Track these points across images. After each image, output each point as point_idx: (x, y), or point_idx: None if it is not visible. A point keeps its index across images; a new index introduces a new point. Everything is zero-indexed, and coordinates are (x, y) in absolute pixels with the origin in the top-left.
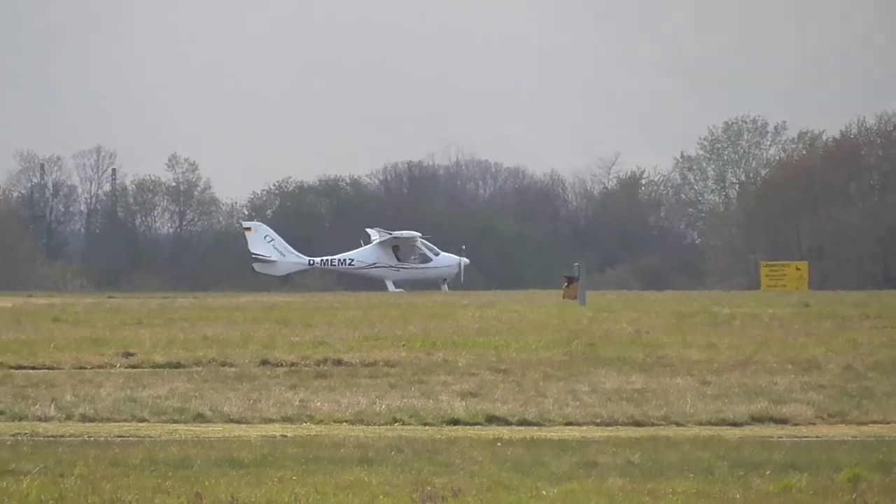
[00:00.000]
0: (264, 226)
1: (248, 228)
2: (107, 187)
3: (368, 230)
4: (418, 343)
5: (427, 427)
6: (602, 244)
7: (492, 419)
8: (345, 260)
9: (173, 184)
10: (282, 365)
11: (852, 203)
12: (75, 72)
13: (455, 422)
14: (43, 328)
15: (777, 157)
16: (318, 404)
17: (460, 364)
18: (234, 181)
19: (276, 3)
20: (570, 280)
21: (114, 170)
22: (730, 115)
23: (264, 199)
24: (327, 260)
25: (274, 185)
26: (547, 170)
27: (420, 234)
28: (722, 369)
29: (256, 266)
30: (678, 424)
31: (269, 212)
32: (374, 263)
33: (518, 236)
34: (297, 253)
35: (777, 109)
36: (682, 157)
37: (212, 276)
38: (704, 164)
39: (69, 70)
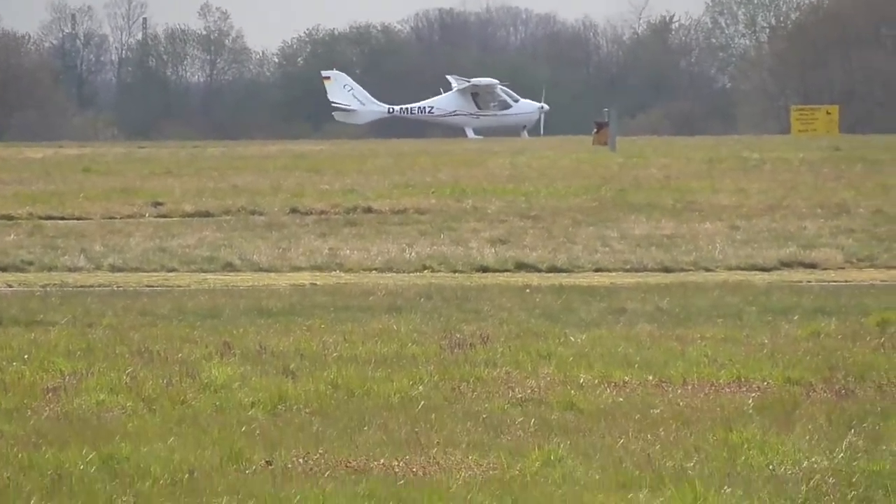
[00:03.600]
0: (343, 74)
1: (328, 77)
2: (138, 36)
3: (449, 77)
4: (448, 190)
5: (457, 274)
6: (633, 90)
7: (521, 266)
8: (425, 108)
9: (204, 33)
10: (311, 213)
11: (882, 46)
12: None
13: (485, 269)
14: (73, 179)
15: (808, 1)
16: (348, 252)
17: (490, 211)
18: (265, 29)
19: None
20: (601, 126)
21: (145, 19)
22: None
23: (295, 47)
24: (407, 108)
25: (304, 32)
26: (579, 15)
27: (498, 81)
28: (751, 214)
29: (337, 115)
30: (707, 270)
31: (299, 59)
32: (455, 111)
33: (550, 83)
34: (376, 101)
35: None
36: (713, 1)
37: (243, 126)
38: (735, 8)
39: None
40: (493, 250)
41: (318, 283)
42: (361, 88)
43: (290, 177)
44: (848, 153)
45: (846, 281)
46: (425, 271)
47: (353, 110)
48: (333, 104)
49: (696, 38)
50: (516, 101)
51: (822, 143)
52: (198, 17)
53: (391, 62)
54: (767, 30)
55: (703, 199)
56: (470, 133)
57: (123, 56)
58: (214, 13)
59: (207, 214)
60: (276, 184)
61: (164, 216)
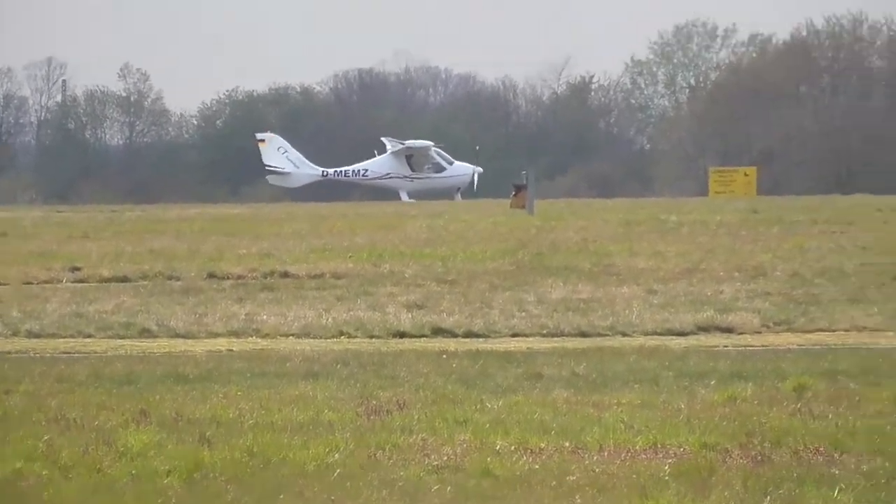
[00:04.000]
0: (278, 137)
1: (262, 140)
2: (58, 98)
3: (383, 139)
4: (365, 254)
5: (374, 339)
6: (552, 150)
7: (438, 331)
8: (359, 171)
9: (124, 94)
10: (228, 278)
11: (803, 106)
12: None
13: (402, 334)
14: None
15: (727, 61)
16: (265, 318)
17: (407, 275)
18: (185, 91)
19: None
20: (519, 188)
21: (64, 81)
22: (679, 19)
23: (214, 108)
24: (341, 171)
25: (224, 94)
26: (499, 75)
27: (433, 143)
28: (669, 278)
29: (270, 178)
30: (624, 334)
31: (218, 121)
32: (389, 174)
33: (469, 143)
34: (311, 164)
35: (727, 13)
36: (632, 61)
37: (162, 188)
38: (654, 69)
39: None
40: (409, 315)
41: (234, 348)
42: (296, 151)
43: (208, 240)
44: (765, 215)
45: (763, 345)
46: (342, 337)
47: (287, 173)
48: (267, 167)
49: (615, 98)
50: (450, 163)
51: (740, 205)
52: (117, 79)
53: (311, 123)
54: (687, 90)
55: (620, 263)
56: (404, 196)
57: (43, 118)
58: (134, 74)
59: (125, 279)
60: (194, 248)
61: (82, 281)
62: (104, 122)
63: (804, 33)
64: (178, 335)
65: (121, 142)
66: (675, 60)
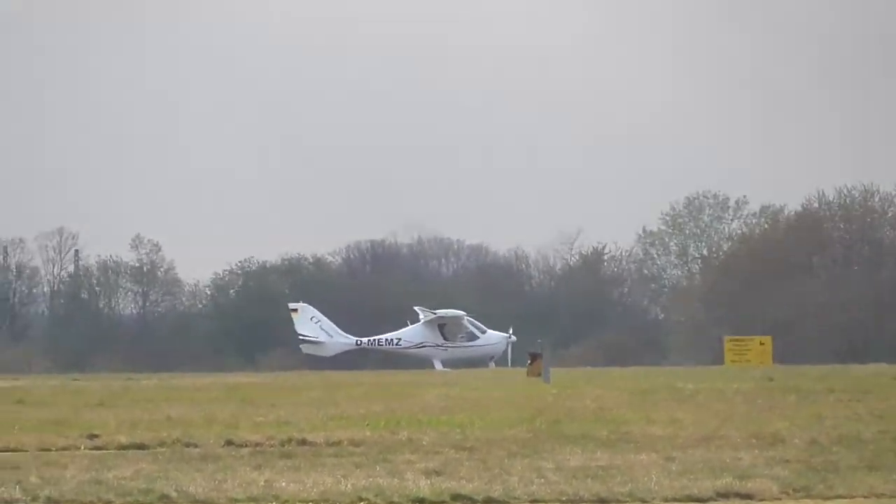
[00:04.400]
0: (310, 307)
1: (295, 310)
2: (70, 268)
3: (416, 308)
4: (383, 422)
5: None
6: (566, 320)
7: (457, 497)
8: (392, 339)
9: (136, 265)
10: (246, 445)
11: (816, 277)
12: (36, 152)
13: (421, 500)
14: (6, 410)
15: (739, 232)
16: (284, 484)
17: (425, 442)
18: (197, 261)
19: (235, 80)
20: (534, 357)
21: (76, 251)
22: (691, 191)
23: (227, 279)
24: (374, 340)
25: (237, 264)
26: (511, 245)
27: (465, 313)
28: (686, 445)
29: (304, 347)
30: (643, 501)
31: (232, 292)
32: (422, 343)
33: (481, 314)
34: (343, 333)
35: (738, 184)
36: (644, 231)
37: (176, 357)
38: (666, 239)
39: (30, 151)
40: (428, 481)
41: None
42: (328, 321)
43: (224, 408)
44: (781, 383)
45: None
46: (361, 503)
47: (321, 342)
48: (301, 336)
49: (627, 268)
50: (483, 332)
51: (756, 373)
52: (129, 249)
53: (323, 293)
54: (699, 260)
55: (637, 430)
56: (438, 365)
57: (55, 288)
58: (146, 245)
59: (142, 446)
60: (210, 415)
61: (99, 448)
62: (117, 292)
63: (815, 205)
64: (197, 501)
65: (134, 311)
66: (687, 231)
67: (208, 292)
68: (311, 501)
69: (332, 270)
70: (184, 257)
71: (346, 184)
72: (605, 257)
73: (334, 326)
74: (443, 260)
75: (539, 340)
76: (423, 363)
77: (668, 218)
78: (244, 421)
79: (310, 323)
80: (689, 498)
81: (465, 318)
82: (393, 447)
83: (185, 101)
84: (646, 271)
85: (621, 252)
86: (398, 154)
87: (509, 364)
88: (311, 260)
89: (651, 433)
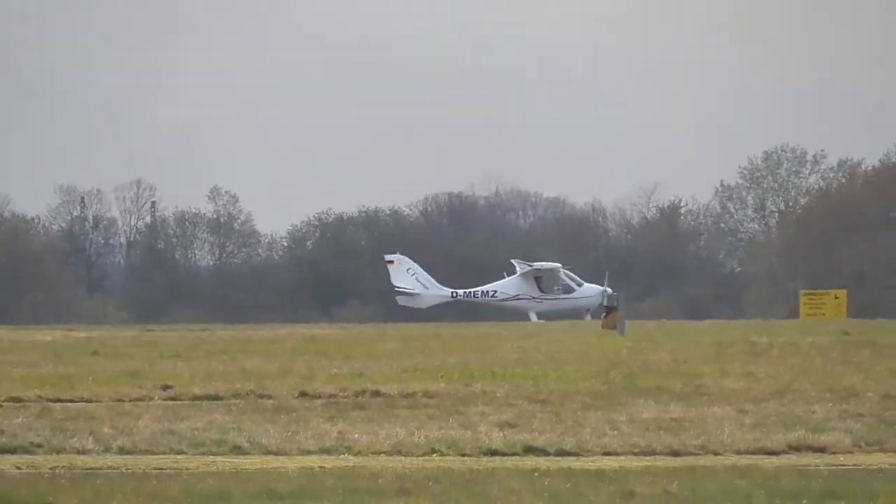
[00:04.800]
0: (407, 258)
1: (391, 261)
2: (147, 220)
3: (513, 261)
4: (457, 374)
5: (465, 458)
6: (642, 274)
7: (530, 450)
8: (488, 291)
9: (213, 216)
10: (320, 397)
11: (892, 231)
12: (115, 105)
13: (493, 452)
14: (82, 361)
15: (816, 186)
16: (357, 436)
17: (498, 395)
18: (274, 213)
19: (313, 34)
20: (610, 310)
21: (153, 202)
22: (769, 145)
23: (304, 231)
24: (470, 292)
25: (314, 216)
26: (588, 199)
27: (561, 265)
28: (760, 398)
29: (400, 299)
30: (716, 454)
31: (308, 243)
32: (517, 295)
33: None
34: (439, 285)
35: (816, 138)
36: (722, 186)
37: (252, 309)
38: (744, 194)
39: (109, 103)
40: (501, 434)
41: (326, 466)
42: (424, 272)
43: (299, 360)
44: (856, 338)
45: (855, 465)
46: (434, 455)
47: (416, 294)
48: (396, 288)
49: (704, 222)
50: (580, 285)
51: (831, 327)
52: (207, 201)
53: (400, 246)
54: (777, 214)
55: (711, 383)
56: (533, 317)
57: (132, 239)
58: (223, 196)
59: (216, 398)
60: (285, 367)
61: (173, 399)
62: (193, 244)
63: (894, 159)
64: (269, 452)
65: (210, 263)
66: (765, 185)
67: (285, 244)
68: (384, 453)
69: (409, 223)
70: (261, 209)
71: (424, 137)
72: (682, 211)
73: (430, 278)
74: (520, 212)
75: (614, 293)
76: (519, 315)
77: (745, 172)
78: (318, 373)
79: (406, 275)
80: (762, 450)
81: (562, 270)
82: (466, 399)
83: (263, 52)
84: (723, 225)
85: (698, 206)
86: (476, 107)
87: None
88: (388, 212)
89: (725, 386)
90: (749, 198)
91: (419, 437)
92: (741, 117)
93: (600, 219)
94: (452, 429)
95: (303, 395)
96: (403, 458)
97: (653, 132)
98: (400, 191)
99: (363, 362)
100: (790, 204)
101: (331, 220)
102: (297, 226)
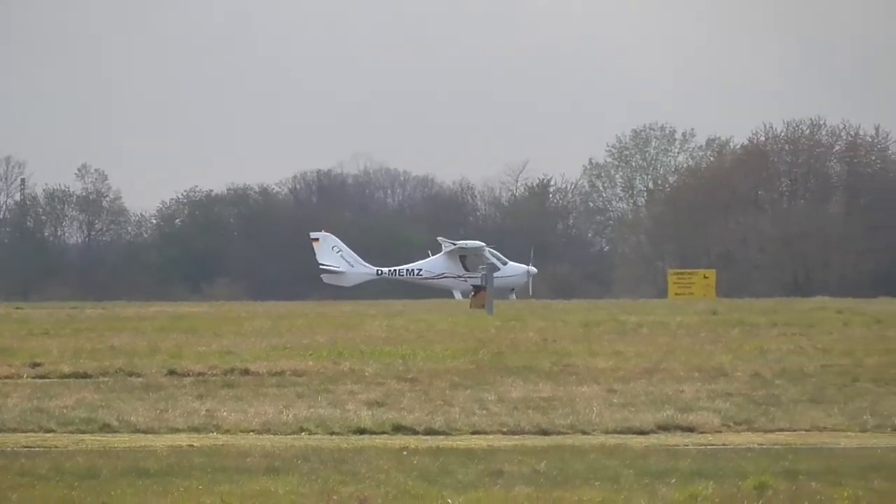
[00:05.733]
0: (332, 236)
1: (316, 239)
2: (16, 197)
3: (439, 239)
4: (325, 353)
5: (334, 436)
6: (511, 252)
7: (398, 428)
8: (413, 270)
9: (82, 193)
10: (189, 375)
11: (761, 210)
12: None
13: (362, 431)
14: None
15: (685, 164)
16: (225, 414)
17: (367, 373)
18: (143, 191)
19: (183, 15)
20: (478, 289)
21: (23, 179)
22: (638, 123)
23: (173, 208)
24: (395, 270)
25: (182, 194)
26: (456, 177)
27: (485, 244)
28: (629, 377)
29: (325, 277)
30: (584, 433)
31: (178, 221)
32: (442, 273)
33: (427, 244)
34: (365, 263)
35: (685, 117)
36: (591, 164)
37: (121, 286)
38: (613, 172)
39: None
40: (370, 412)
41: (195, 444)
42: (350, 250)
43: (168, 338)
44: (725, 317)
45: (723, 444)
46: (302, 433)
47: (341, 272)
48: (322, 266)
49: (573, 201)
50: (505, 263)
51: (699, 306)
52: (76, 178)
53: (269, 224)
54: (645, 193)
55: (579, 363)
56: (457, 295)
57: (1, 217)
58: (92, 174)
59: (85, 376)
60: (154, 345)
61: (42, 377)
62: (63, 221)
63: (762, 138)
64: (139, 430)
65: (80, 241)
66: (634, 164)
67: (154, 222)
68: (253, 431)
69: (278, 200)
70: (130, 187)
71: (293, 113)
72: (551, 189)
73: (356, 256)
74: (389, 191)
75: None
76: (444, 293)
77: (614, 150)
78: (187, 351)
79: (331, 252)
80: (631, 430)
81: (487, 249)
82: (335, 378)
83: (132, 30)
84: (591, 204)
85: (567, 184)
86: (346, 84)
87: (530, 295)
88: (257, 190)
89: (594, 366)
90: (618, 176)
91: (288, 416)
92: (610, 95)
93: (469, 197)
94: (321, 407)
95: (171, 373)
96: (272, 436)
97: (522, 110)
98: (268, 167)
99: (232, 340)
100: (659, 182)
101: (200, 197)
102: (166, 203)
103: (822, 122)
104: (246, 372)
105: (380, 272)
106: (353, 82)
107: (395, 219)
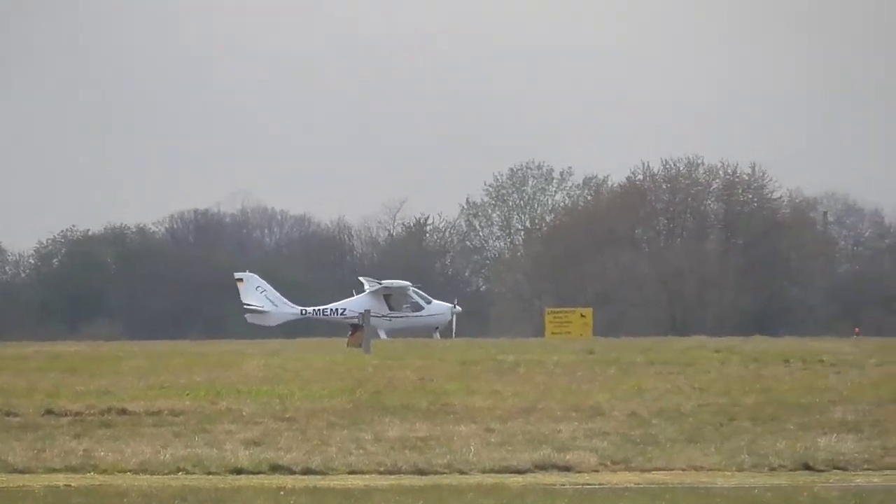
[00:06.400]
0: (256, 276)
1: (240, 279)
2: None
3: (361, 279)
4: (203, 392)
5: (211, 476)
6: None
7: (276, 468)
8: (337, 309)
9: None
10: (66, 414)
11: (638, 248)
12: None
13: (239, 471)
14: None
15: (563, 203)
16: (103, 454)
17: (245, 413)
18: (21, 230)
19: (58, 51)
20: (355, 328)
21: None
22: (515, 162)
23: (50, 248)
24: (320, 310)
25: (59, 233)
26: (333, 217)
27: (411, 283)
28: (506, 416)
29: (248, 317)
30: (462, 472)
31: (55, 261)
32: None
33: (305, 284)
34: (289, 303)
35: (562, 156)
36: (468, 203)
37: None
38: (490, 211)
39: None
40: (247, 452)
41: (72, 484)
42: (274, 290)
43: (46, 378)
44: (602, 356)
45: (600, 484)
46: (180, 473)
47: (265, 312)
48: (246, 306)
49: (450, 240)
50: (429, 302)
51: (577, 345)
52: None
53: (147, 263)
54: (522, 232)
55: (457, 402)
56: (382, 334)
57: None
58: None
59: None
60: (32, 384)
61: None
62: None
63: (640, 176)
64: (16, 470)
65: None
66: (511, 203)
67: (31, 261)
68: (130, 471)
69: (156, 240)
70: (7, 226)
71: (170, 153)
72: (428, 228)
73: (280, 296)
74: (266, 230)
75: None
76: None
77: (491, 189)
78: (65, 390)
79: (255, 292)
80: (508, 469)
81: (411, 288)
82: (213, 417)
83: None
84: (469, 243)
85: (445, 223)
86: (223, 123)
87: (453, 335)
88: (134, 229)
89: (471, 405)
90: (495, 215)
91: (165, 455)
92: (488, 134)
93: (346, 237)
94: (198, 447)
95: (49, 412)
96: (150, 476)
97: (399, 149)
98: (146, 207)
99: (110, 379)
100: (536, 221)
101: (77, 237)
102: (43, 243)
103: (699, 161)
104: (123, 411)
105: (304, 312)
106: (231, 122)
107: (271, 258)
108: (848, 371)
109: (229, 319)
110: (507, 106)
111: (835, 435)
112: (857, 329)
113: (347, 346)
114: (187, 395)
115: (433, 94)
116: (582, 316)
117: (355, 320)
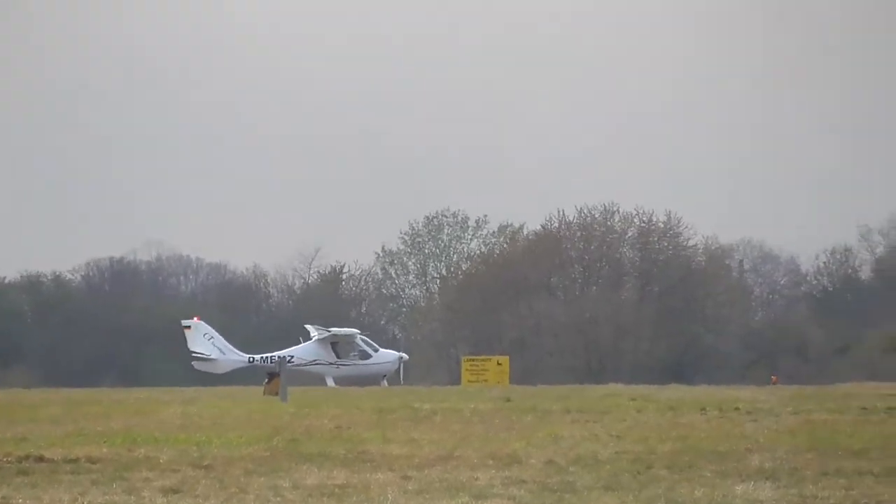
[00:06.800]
0: (203, 324)
1: (188, 327)
2: None
3: (308, 326)
4: (120, 439)
5: None
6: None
7: None
8: (285, 357)
9: None
10: None
11: (554, 296)
12: None
13: None
14: None
15: (478, 251)
16: (20, 501)
17: (162, 460)
18: None
19: None
20: (272, 376)
21: None
22: (430, 210)
23: None
24: (267, 357)
25: None
26: (249, 264)
27: (359, 331)
28: (423, 464)
29: (196, 364)
30: None
31: None
32: (315, 360)
33: (221, 331)
34: (237, 351)
35: (478, 204)
36: (384, 251)
37: None
38: (406, 259)
39: None
40: (165, 500)
41: None
42: (222, 338)
43: None
44: (518, 404)
45: None
46: None
47: (213, 359)
48: (193, 353)
49: (366, 288)
50: (376, 350)
51: (493, 393)
52: None
53: (62, 311)
54: (438, 280)
55: (374, 449)
56: (330, 382)
57: None
58: None
59: None
60: None
61: None
62: None
63: (555, 224)
64: None
65: None
66: (427, 250)
67: None
68: None
69: (71, 288)
70: None
71: (85, 200)
72: (344, 276)
73: (227, 344)
74: (182, 277)
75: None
76: (316, 380)
77: (407, 237)
78: None
79: (203, 340)
80: None
81: (359, 336)
82: (130, 465)
83: None
84: (385, 290)
85: (360, 271)
86: (139, 171)
87: (401, 382)
88: (50, 277)
89: (388, 452)
90: (411, 263)
91: (83, 503)
92: (404, 183)
93: (262, 284)
94: (116, 494)
95: None
96: None
97: (314, 194)
98: (61, 255)
99: (26, 427)
100: (452, 269)
101: None
102: None
103: (614, 209)
104: (40, 459)
105: (252, 359)
106: (145, 169)
107: (187, 305)
108: (764, 419)
109: (144, 367)
110: (423, 153)
111: (752, 483)
112: (774, 377)
113: (264, 394)
114: (104, 442)
115: (347, 142)
116: (498, 364)
117: (274, 368)
